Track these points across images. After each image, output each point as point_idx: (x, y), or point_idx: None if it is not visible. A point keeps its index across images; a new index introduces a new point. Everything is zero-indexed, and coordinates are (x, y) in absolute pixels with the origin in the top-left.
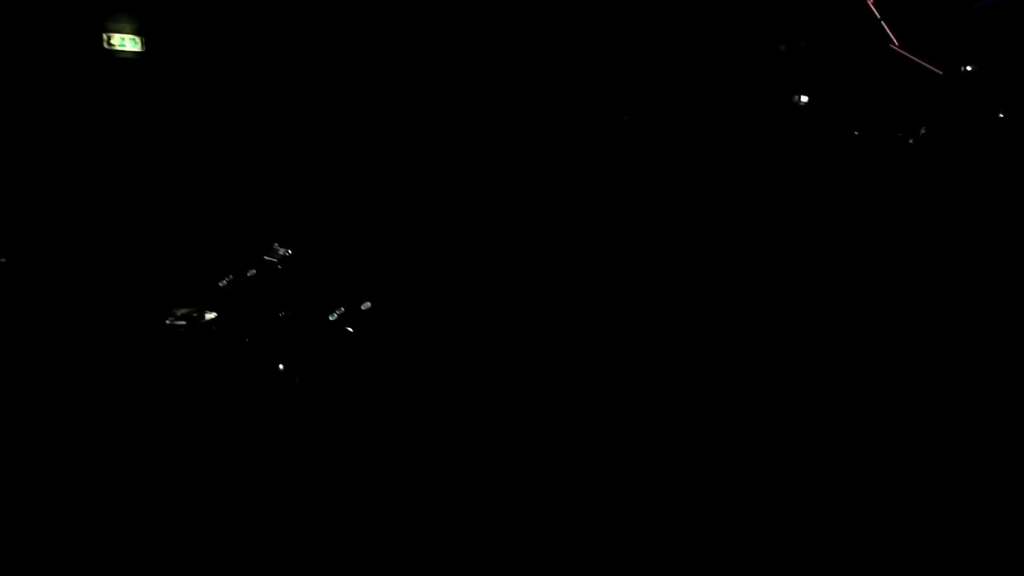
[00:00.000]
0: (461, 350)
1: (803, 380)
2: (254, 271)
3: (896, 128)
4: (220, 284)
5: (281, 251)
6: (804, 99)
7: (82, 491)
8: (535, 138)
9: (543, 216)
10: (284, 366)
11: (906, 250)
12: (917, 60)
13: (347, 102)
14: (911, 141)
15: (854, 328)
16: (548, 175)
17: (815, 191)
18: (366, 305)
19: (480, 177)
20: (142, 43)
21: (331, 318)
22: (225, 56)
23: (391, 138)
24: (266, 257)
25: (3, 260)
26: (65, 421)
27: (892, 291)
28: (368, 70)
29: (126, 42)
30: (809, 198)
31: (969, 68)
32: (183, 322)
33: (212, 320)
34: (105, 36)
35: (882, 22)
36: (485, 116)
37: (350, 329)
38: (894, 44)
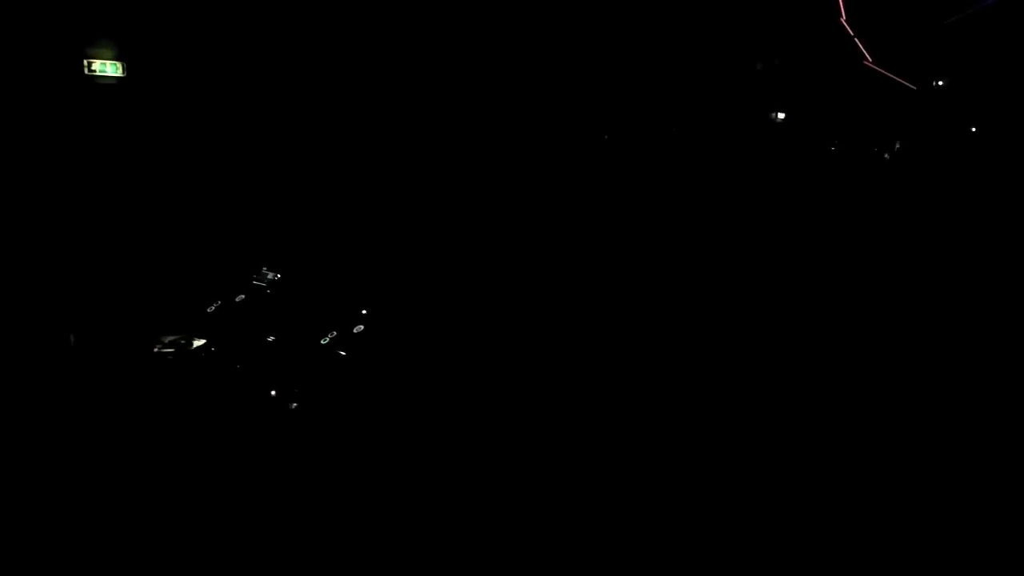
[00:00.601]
0: (454, 372)
1: (791, 381)
2: (243, 296)
3: (872, 142)
4: (208, 310)
5: (270, 275)
6: (781, 116)
7: (72, 516)
8: (527, 161)
9: (536, 243)
10: (276, 392)
11: (884, 257)
12: (890, 76)
13: (331, 125)
14: (886, 156)
15: (837, 331)
16: (540, 204)
17: (794, 204)
18: (358, 328)
19: (469, 201)
20: (123, 68)
21: (323, 342)
22: (207, 82)
23: (378, 162)
24: (255, 281)
25: None
26: (53, 448)
27: (870, 296)
28: (351, 101)
29: (107, 67)
30: (789, 211)
31: (941, 83)
32: (171, 349)
33: (201, 347)
34: (86, 62)
35: (856, 39)
36: (474, 138)
37: (342, 353)
38: (868, 61)
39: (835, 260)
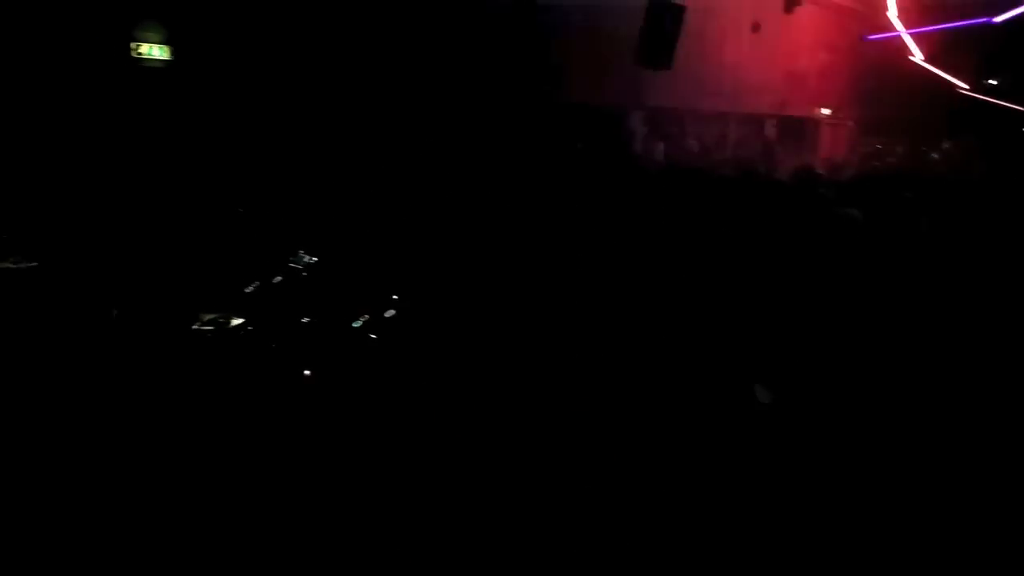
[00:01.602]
0: (484, 357)
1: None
2: (280, 277)
3: (920, 142)
4: (247, 290)
5: (307, 258)
6: (826, 112)
7: (107, 492)
8: (564, 147)
9: (573, 222)
10: (309, 371)
11: (932, 260)
12: (941, 73)
13: (375, 111)
14: (935, 155)
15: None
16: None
17: (839, 201)
18: (390, 312)
19: (507, 185)
20: (170, 52)
21: (355, 325)
22: (252, 64)
23: (419, 149)
24: (292, 264)
25: (34, 264)
26: (91, 424)
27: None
28: (396, 78)
29: (154, 51)
30: (833, 208)
31: (994, 82)
32: (210, 327)
33: (238, 325)
34: (133, 45)
35: (906, 36)
36: (514, 122)
37: (374, 336)
38: (917, 58)
39: (880, 259)
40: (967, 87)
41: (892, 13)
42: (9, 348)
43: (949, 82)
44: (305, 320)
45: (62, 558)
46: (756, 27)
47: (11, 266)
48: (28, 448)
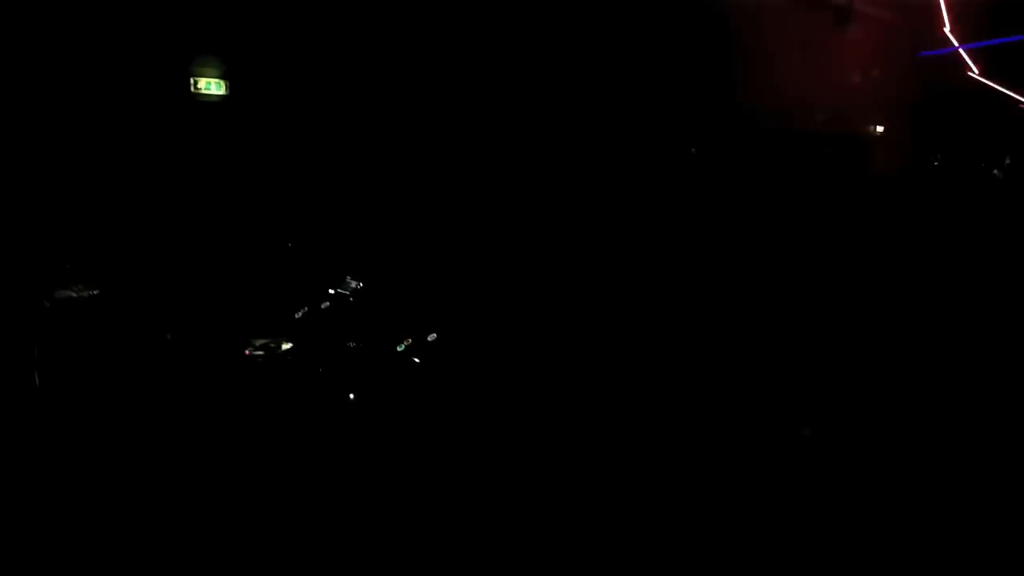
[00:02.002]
0: (524, 379)
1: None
2: (327, 303)
3: (979, 157)
4: (296, 316)
5: (353, 284)
6: (879, 129)
7: (166, 508)
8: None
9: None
10: (354, 395)
11: (992, 275)
12: (998, 88)
13: (418, 145)
14: (996, 171)
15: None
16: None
17: (895, 220)
18: (432, 336)
19: (540, 229)
20: (227, 87)
21: (399, 349)
22: (303, 98)
23: (459, 181)
24: (339, 290)
25: (96, 292)
26: (149, 442)
27: (985, 314)
28: (439, 114)
29: (212, 86)
30: (889, 227)
31: None
32: (261, 352)
33: (288, 350)
34: (192, 80)
35: (960, 50)
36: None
37: (417, 360)
38: (973, 72)
39: (939, 275)
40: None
41: (947, 28)
42: (72, 371)
43: (1009, 96)
44: (351, 344)
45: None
46: (805, 45)
47: (74, 295)
48: (88, 463)
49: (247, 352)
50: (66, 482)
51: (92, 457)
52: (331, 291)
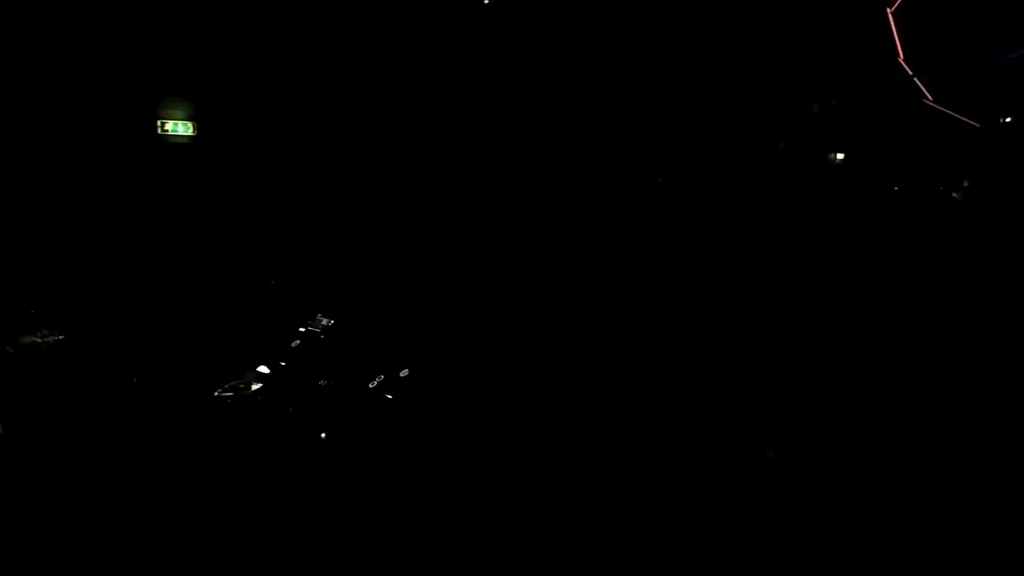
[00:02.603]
0: (498, 414)
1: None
2: (298, 341)
3: (937, 182)
4: (266, 356)
5: (324, 321)
6: (840, 156)
7: (131, 553)
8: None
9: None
10: (326, 434)
11: (952, 300)
12: (952, 114)
13: (386, 179)
14: (954, 195)
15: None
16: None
17: (858, 246)
18: (404, 372)
19: (517, 250)
20: (194, 128)
21: (371, 385)
22: (271, 139)
23: (429, 213)
24: (310, 327)
25: (60, 337)
26: (115, 487)
27: (947, 343)
28: (403, 147)
29: (179, 127)
30: (852, 252)
31: (1008, 119)
32: (230, 393)
33: (258, 390)
34: (160, 123)
35: (915, 78)
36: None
37: (389, 396)
38: (928, 99)
39: (901, 300)
40: (979, 125)
41: (901, 57)
42: (36, 416)
43: (964, 121)
44: (322, 382)
45: None
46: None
47: (38, 340)
48: (54, 510)
49: (216, 393)
50: (30, 530)
51: (58, 504)
52: (302, 329)
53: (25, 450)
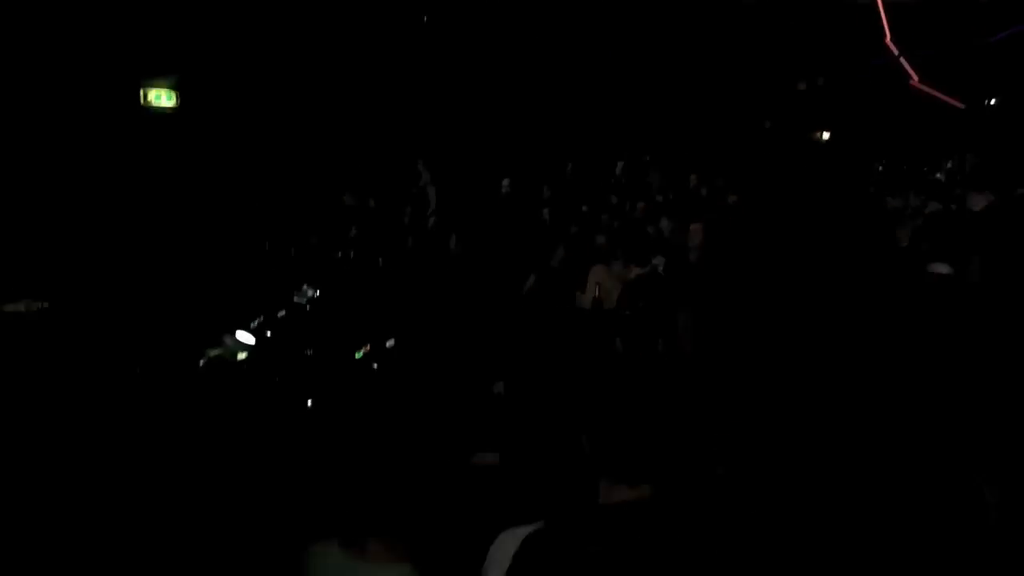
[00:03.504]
0: (486, 384)
1: None
2: (283, 312)
3: (921, 162)
4: (251, 325)
5: (309, 292)
6: (825, 135)
7: (119, 523)
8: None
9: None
10: (312, 403)
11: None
12: (938, 95)
13: (374, 147)
14: (938, 175)
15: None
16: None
17: (838, 226)
18: (391, 343)
19: (508, 216)
20: (177, 98)
21: (357, 356)
22: (252, 108)
23: (415, 181)
24: (295, 298)
25: (45, 305)
26: (100, 455)
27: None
28: (394, 119)
29: (162, 98)
30: (830, 233)
31: (992, 101)
32: (216, 362)
33: (243, 360)
34: (143, 92)
35: (901, 59)
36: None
37: (375, 366)
38: (914, 80)
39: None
40: (964, 106)
41: (887, 38)
42: (22, 386)
43: (946, 102)
44: (308, 352)
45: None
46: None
47: (22, 309)
48: (39, 480)
49: (201, 362)
50: (14, 500)
51: (42, 473)
52: (287, 299)
53: (10, 417)
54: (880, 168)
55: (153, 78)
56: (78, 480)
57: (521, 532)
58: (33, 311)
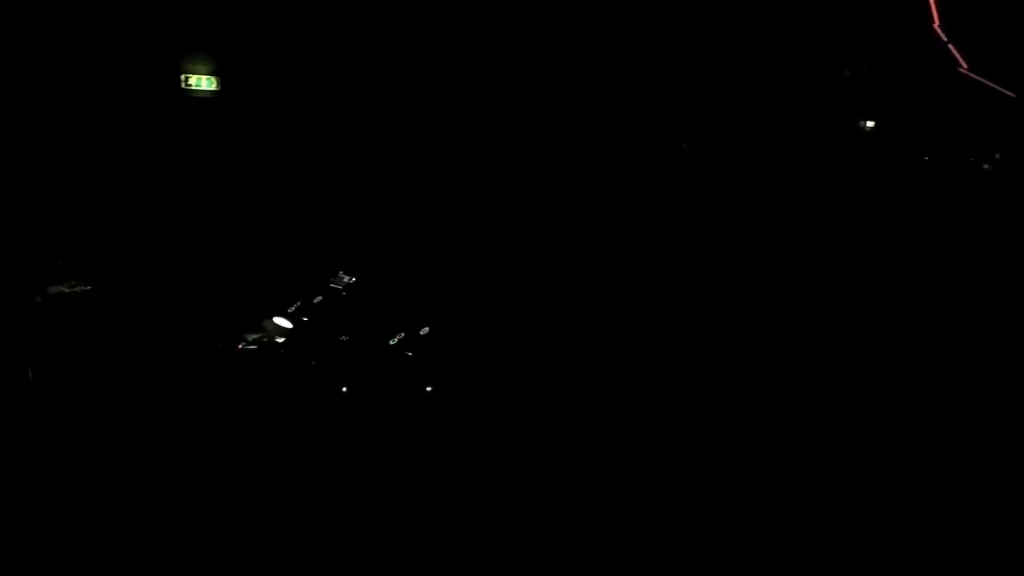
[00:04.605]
0: (517, 373)
1: None
2: (320, 298)
3: (969, 152)
4: (289, 310)
5: (346, 279)
6: (870, 124)
7: (161, 505)
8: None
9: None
10: (347, 388)
11: (984, 272)
12: (987, 83)
13: (408, 139)
14: (986, 166)
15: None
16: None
17: (887, 215)
18: (424, 330)
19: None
20: (218, 83)
21: (391, 342)
22: (296, 94)
23: (452, 176)
24: (332, 284)
25: (88, 287)
26: (144, 436)
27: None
28: (434, 110)
29: (203, 82)
30: (882, 222)
31: None
32: (255, 347)
33: (281, 344)
34: (184, 77)
35: (949, 45)
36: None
37: (409, 353)
38: (963, 68)
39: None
40: (1015, 95)
41: (936, 24)
42: (65, 365)
43: (998, 91)
44: (344, 338)
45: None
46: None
47: (66, 290)
48: (83, 459)
49: (241, 346)
50: (61, 478)
51: (87, 453)
52: (324, 285)
53: (54, 398)
54: (927, 158)
55: (194, 62)
56: (118, 457)
57: None
58: (76, 292)
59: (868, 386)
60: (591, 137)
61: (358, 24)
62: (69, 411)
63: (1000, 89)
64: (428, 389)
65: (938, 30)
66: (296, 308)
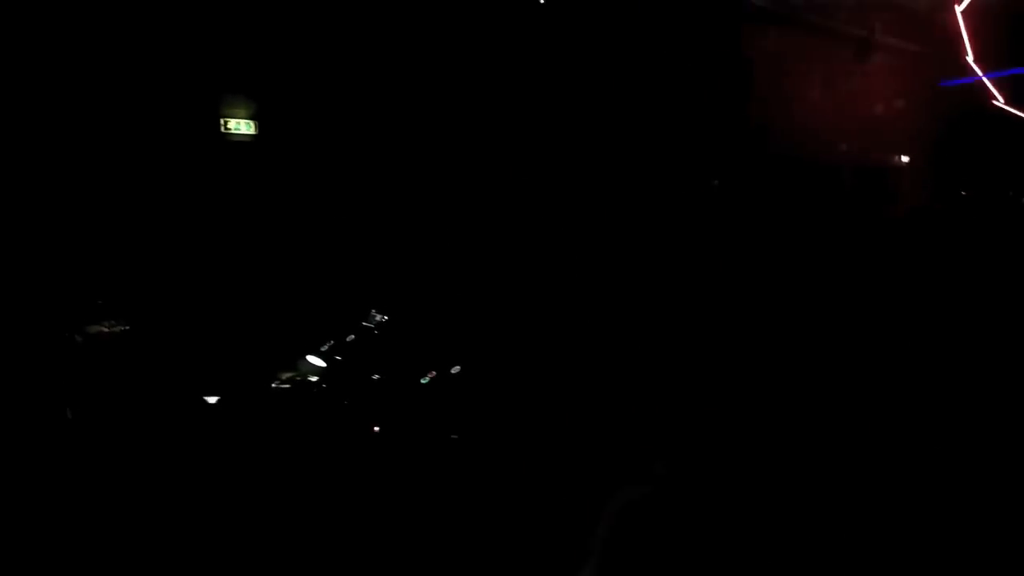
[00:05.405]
0: (549, 413)
1: None
2: (353, 336)
3: (1006, 187)
4: (322, 349)
5: (378, 317)
6: (905, 159)
7: (191, 543)
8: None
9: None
10: (379, 427)
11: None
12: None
13: (439, 177)
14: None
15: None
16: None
17: (921, 252)
18: (456, 369)
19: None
20: (256, 127)
21: (423, 381)
22: (332, 137)
23: (482, 213)
24: (364, 323)
25: (127, 327)
26: (179, 474)
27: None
28: (467, 152)
29: (241, 126)
30: (915, 258)
31: None
32: (287, 385)
33: (314, 383)
34: (223, 121)
35: (985, 79)
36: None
37: (441, 392)
38: (997, 100)
39: (964, 309)
40: None
41: (970, 57)
42: (104, 405)
43: None
44: (375, 377)
45: None
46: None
47: (105, 330)
48: (120, 497)
49: (274, 385)
50: (97, 517)
51: (123, 490)
52: (357, 323)
53: (92, 436)
54: (963, 192)
55: (233, 106)
56: (154, 496)
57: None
58: (115, 332)
59: (869, 389)
60: (625, 176)
61: (399, 68)
62: (107, 450)
63: None
64: (454, 437)
65: (972, 63)
66: (329, 347)
